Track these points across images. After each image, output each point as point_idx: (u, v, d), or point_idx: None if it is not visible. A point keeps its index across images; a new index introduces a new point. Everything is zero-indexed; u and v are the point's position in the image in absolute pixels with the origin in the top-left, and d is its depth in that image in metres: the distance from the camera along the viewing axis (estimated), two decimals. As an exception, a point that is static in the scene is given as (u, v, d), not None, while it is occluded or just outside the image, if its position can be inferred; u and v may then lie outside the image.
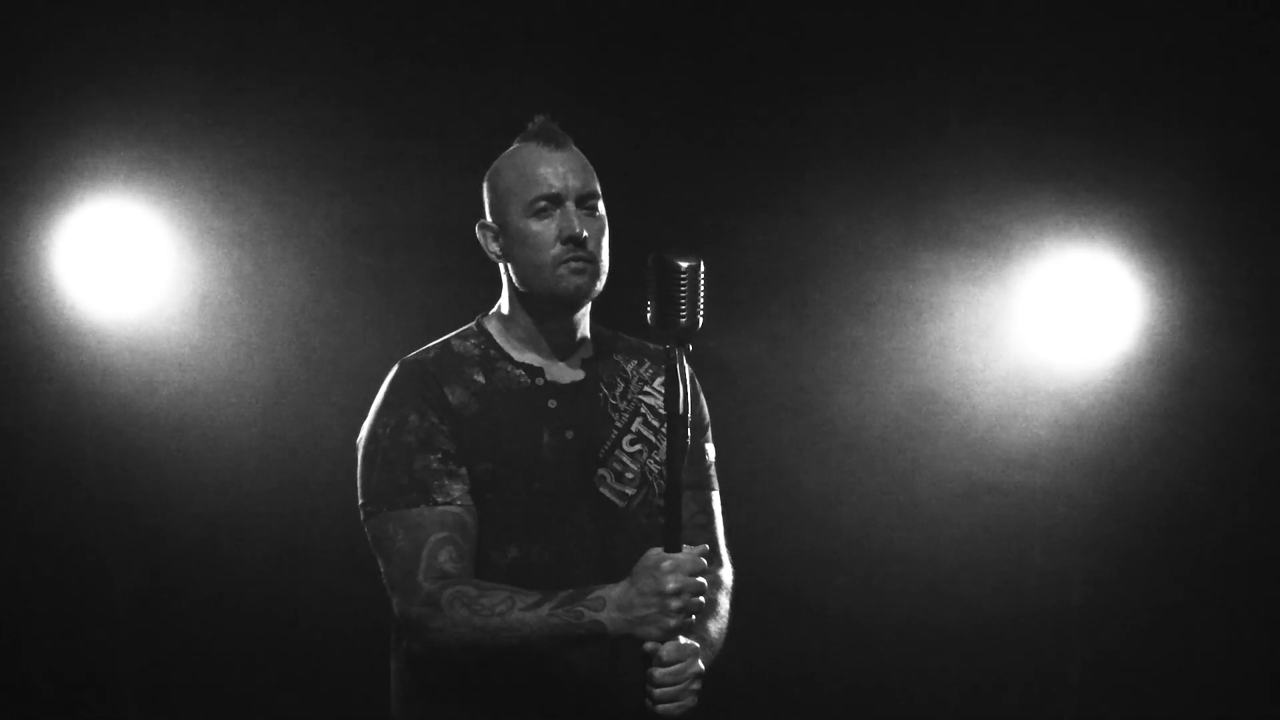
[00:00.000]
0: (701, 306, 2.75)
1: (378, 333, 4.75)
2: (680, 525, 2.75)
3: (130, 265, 4.81)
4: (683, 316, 2.73)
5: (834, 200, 5.01)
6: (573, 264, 2.90)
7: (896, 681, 5.13)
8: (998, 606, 5.10)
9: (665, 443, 2.79)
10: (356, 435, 2.96)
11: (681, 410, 2.74)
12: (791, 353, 5.06)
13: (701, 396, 3.13)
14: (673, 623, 2.70)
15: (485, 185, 3.02)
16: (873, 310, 5.06)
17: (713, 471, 3.12)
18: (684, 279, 2.72)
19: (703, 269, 2.74)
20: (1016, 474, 5.09)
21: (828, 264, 5.06)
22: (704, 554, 2.76)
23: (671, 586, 2.70)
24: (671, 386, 2.75)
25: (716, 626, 2.97)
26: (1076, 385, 5.07)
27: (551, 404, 2.96)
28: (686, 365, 2.95)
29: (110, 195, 4.77)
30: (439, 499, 2.85)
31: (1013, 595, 5.12)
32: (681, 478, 2.76)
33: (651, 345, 3.10)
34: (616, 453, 2.96)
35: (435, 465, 2.86)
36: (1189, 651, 5.05)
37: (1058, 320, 5.06)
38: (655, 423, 3.01)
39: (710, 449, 3.12)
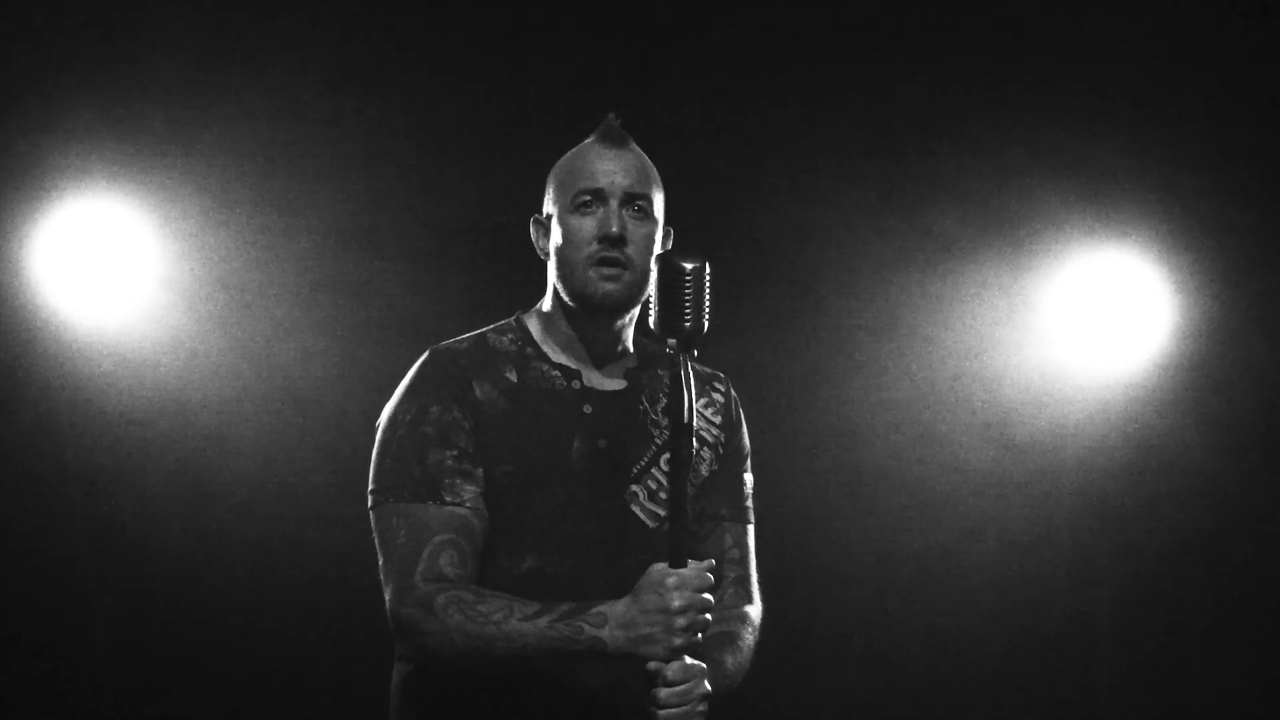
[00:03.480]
0: (707, 310, 2.68)
1: (369, 338, 4.72)
2: (685, 539, 2.68)
3: (114, 267, 4.75)
4: (687, 320, 2.66)
5: (853, 201, 4.99)
6: (604, 269, 2.84)
7: (918, 696, 5.08)
8: (1023, 617, 5.07)
9: (672, 454, 2.70)
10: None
11: (686, 418, 2.66)
12: (808, 358, 5.03)
13: (744, 424, 3.07)
14: (678, 641, 2.63)
15: (548, 180, 2.98)
16: (894, 314, 5.04)
17: (750, 504, 3.06)
18: (689, 281, 2.65)
19: (709, 270, 2.67)
20: (1043, 481, 5.06)
21: (846, 266, 5.04)
22: (710, 569, 2.68)
23: (677, 604, 2.62)
24: (676, 393, 2.67)
25: (736, 660, 2.90)
26: (1105, 390, 5.03)
27: (587, 409, 2.89)
28: (733, 390, 3.03)
29: (93, 194, 4.71)
30: (448, 498, 2.78)
31: (1039, 606, 5.08)
32: (687, 490, 2.69)
33: (702, 367, 3.02)
34: (653, 470, 2.90)
35: (449, 463, 2.79)
36: (1221, 666, 5.00)
37: (1086, 323, 5.03)
38: (696, 445, 2.92)
39: (749, 479, 3.07)
